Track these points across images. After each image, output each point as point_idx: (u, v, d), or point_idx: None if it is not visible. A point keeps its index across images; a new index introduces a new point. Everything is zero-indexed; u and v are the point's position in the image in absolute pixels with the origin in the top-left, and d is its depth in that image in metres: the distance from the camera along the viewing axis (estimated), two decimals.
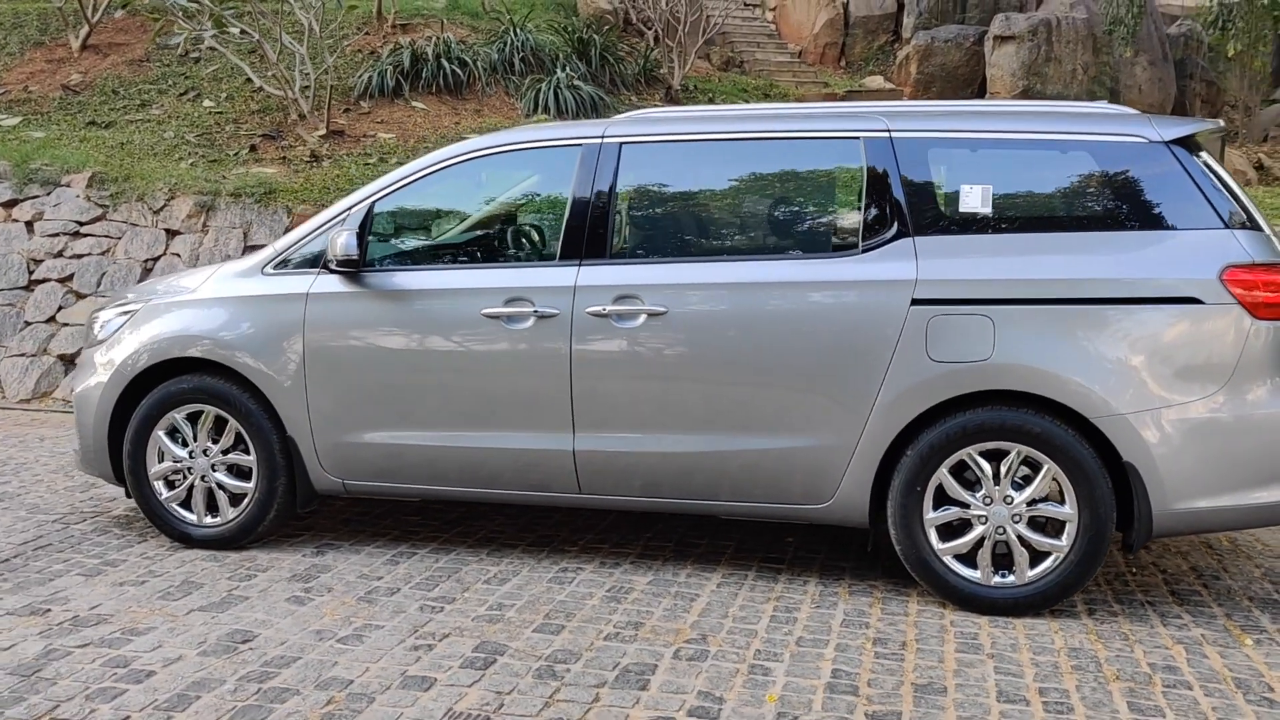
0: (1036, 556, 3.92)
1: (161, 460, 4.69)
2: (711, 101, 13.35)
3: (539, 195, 4.86)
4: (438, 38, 12.08)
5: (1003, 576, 3.95)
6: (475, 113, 11.60)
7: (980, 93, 16.39)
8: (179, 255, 8.63)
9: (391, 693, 3.31)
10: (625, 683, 3.38)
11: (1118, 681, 3.41)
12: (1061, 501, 3.87)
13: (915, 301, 3.92)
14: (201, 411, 4.63)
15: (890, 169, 4.05)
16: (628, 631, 3.80)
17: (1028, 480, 3.91)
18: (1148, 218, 3.89)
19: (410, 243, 4.77)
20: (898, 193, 4.03)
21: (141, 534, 4.94)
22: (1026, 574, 3.91)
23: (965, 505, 3.95)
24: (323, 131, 10.61)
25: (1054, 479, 3.86)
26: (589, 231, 4.27)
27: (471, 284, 4.39)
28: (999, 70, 16.02)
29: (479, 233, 4.88)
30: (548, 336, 4.23)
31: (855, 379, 3.97)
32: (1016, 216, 4.01)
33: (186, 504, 4.71)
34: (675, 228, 4.44)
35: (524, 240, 4.82)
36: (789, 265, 4.11)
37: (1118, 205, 3.93)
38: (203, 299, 4.65)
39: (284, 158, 10.10)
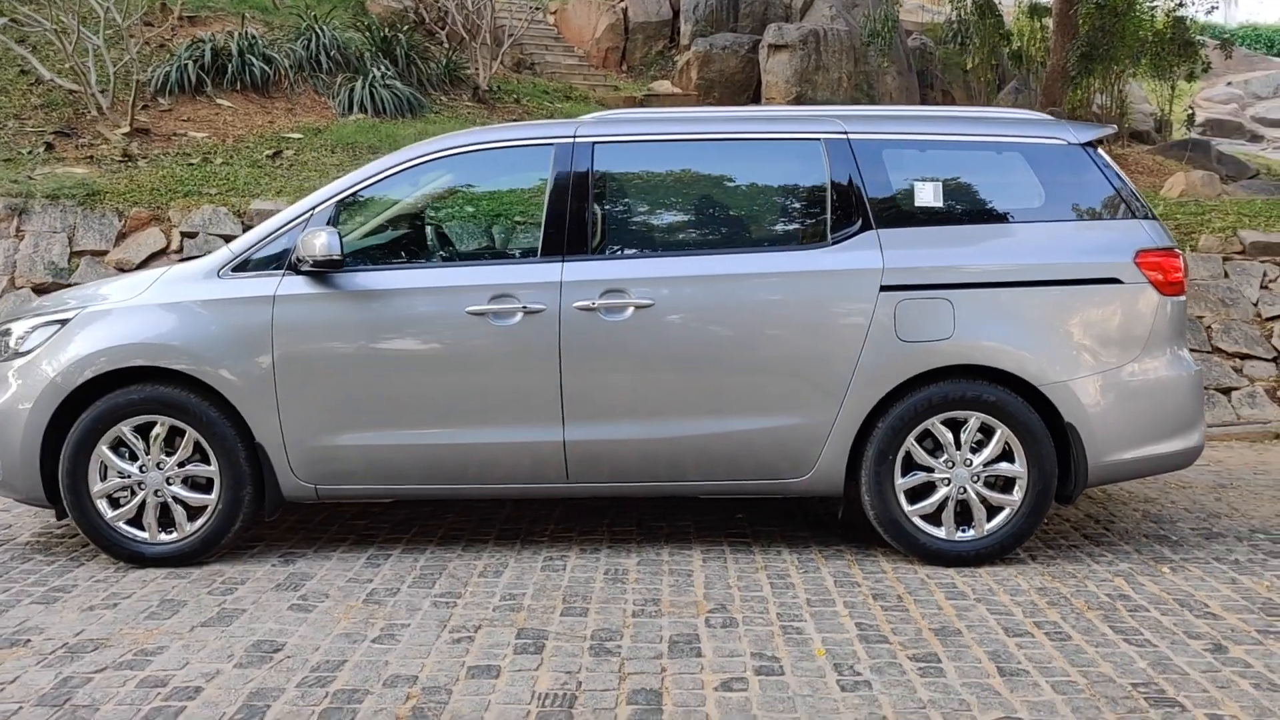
0: (992, 512, 4.41)
1: (105, 477, 4.43)
2: (518, 102, 13.48)
3: (513, 193, 4.93)
4: (239, 33, 11.58)
5: (963, 532, 4.42)
6: (288, 111, 11.22)
7: (755, 98, 17.30)
8: None
9: (465, 683, 3.36)
10: (680, 652, 3.58)
11: (1090, 611, 3.94)
12: (1012, 461, 4.38)
13: (884, 288, 4.32)
14: (152, 423, 4.41)
15: (851, 168, 4.44)
16: (650, 608, 3.99)
17: (981, 445, 4.40)
18: (1072, 209, 4.48)
19: (381, 242, 4.72)
20: (859, 189, 4.42)
21: (73, 557, 4.62)
22: (985, 528, 4.40)
23: (930, 470, 4.39)
24: (126, 129, 9.98)
25: (1005, 442, 4.36)
26: (570, 228, 4.40)
27: (453, 282, 4.42)
28: (774, 77, 17.00)
29: (455, 230, 4.90)
30: (536, 332, 4.34)
31: (832, 360, 4.33)
32: (963, 210, 4.49)
33: (134, 522, 4.47)
34: (653, 224, 4.65)
35: (502, 237, 4.87)
36: (767, 257, 4.42)
37: (1047, 199, 4.49)
38: (152, 304, 4.42)
39: (90, 157, 9.42)
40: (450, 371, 4.39)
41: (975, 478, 4.38)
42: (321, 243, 4.25)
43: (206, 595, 4.16)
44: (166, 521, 4.48)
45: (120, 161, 9.30)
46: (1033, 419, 4.33)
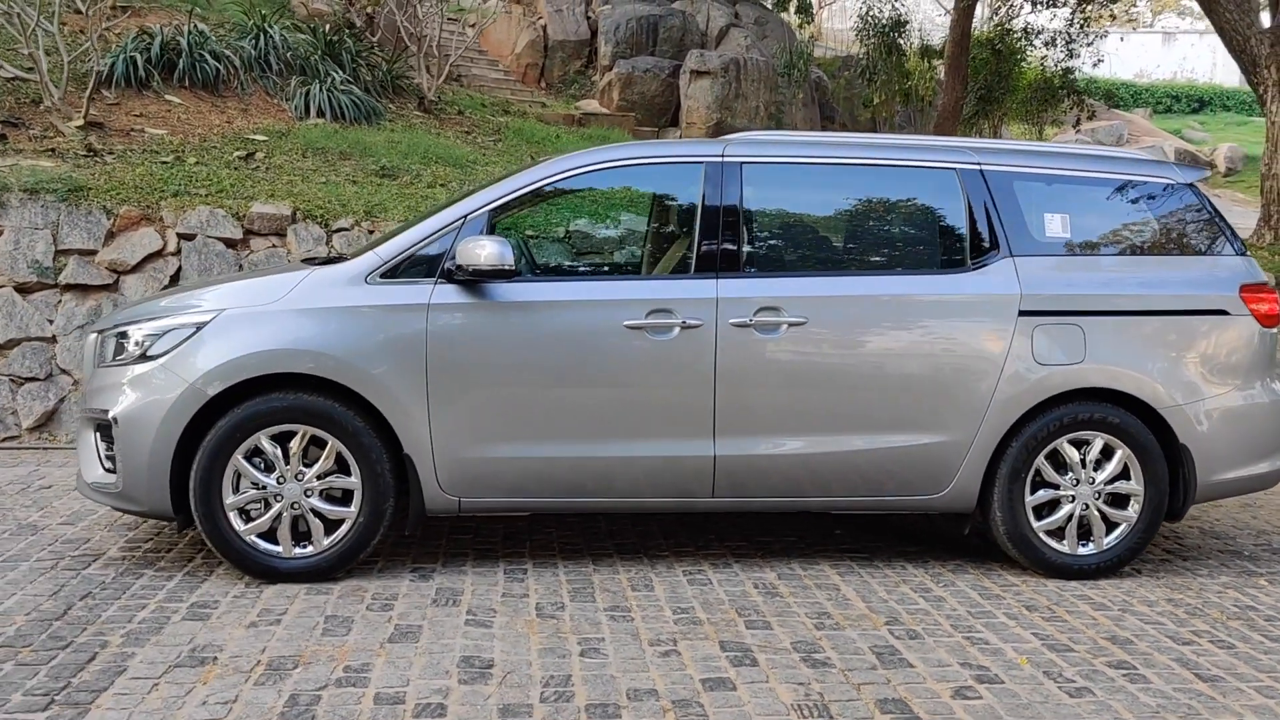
0: (1110, 527, 4.66)
1: (238, 488, 4.22)
2: (461, 114, 13.33)
3: (663, 209, 4.92)
4: (189, 27, 11.09)
5: (1084, 546, 4.66)
6: (242, 111, 10.81)
7: (674, 121, 17.56)
8: None
9: (710, 695, 3.37)
10: (892, 664, 3.67)
11: (1232, 620, 4.22)
12: (1129, 479, 4.64)
13: (1022, 313, 4.54)
14: (291, 432, 4.23)
15: (985, 197, 4.65)
16: (828, 620, 4.06)
17: (1100, 464, 4.65)
18: (1182, 243, 4.81)
19: (535, 253, 4.65)
20: (994, 217, 4.63)
21: (188, 573, 4.38)
22: (1104, 543, 4.65)
23: (1056, 487, 4.62)
24: (80, 122, 9.43)
25: (1125, 461, 4.62)
26: (721, 246, 4.46)
27: (611, 295, 4.42)
28: (695, 102, 17.29)
29: (608, 244, 4.85)
30: (692, 347, 4.37)
31: (974, 380, 4.51)
32: (1086, 240, 4.75)
33: (265, 535, 4.27)
34: (801, 244, 4.74)
35: (655, 253, 4.86)
36: (913, 279, 4.57)
37: (1160, 232, 4.81)
38: (296, 310, 4.25)
39: (51, 150, 8.86)
40: (605, 385, 4.37)
41: (1097, 495, 4.62)
42: (488, 252, 4.18)
43: (368, 612, 4.01)
44: (298, 535, 4.30)
45: (85, 156, 8.78)
46: (1150, 440, 4.61)
